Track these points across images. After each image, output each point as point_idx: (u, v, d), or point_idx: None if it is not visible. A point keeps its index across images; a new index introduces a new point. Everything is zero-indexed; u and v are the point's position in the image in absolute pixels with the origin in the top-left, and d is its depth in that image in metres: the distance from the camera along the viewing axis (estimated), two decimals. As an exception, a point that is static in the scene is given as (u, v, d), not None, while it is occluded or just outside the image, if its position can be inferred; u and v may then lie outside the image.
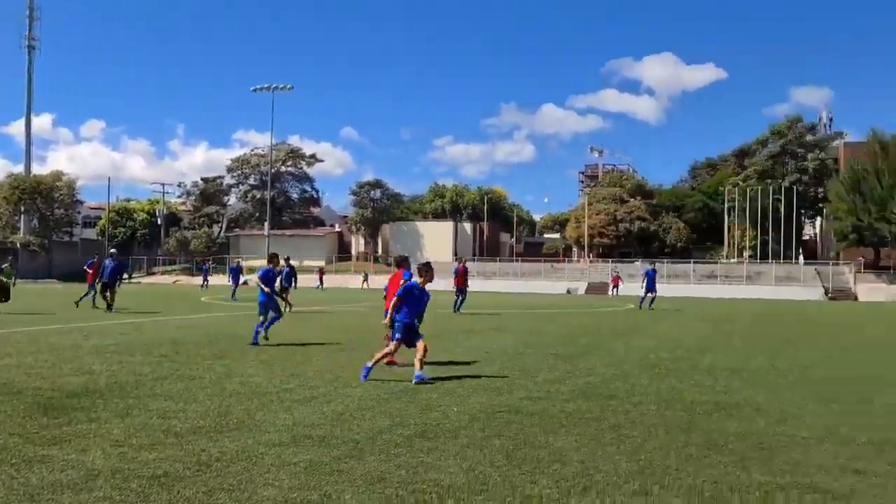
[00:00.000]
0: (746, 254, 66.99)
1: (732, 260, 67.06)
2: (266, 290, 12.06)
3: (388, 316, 8.69)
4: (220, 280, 51.92)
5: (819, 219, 75.62)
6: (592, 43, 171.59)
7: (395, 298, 8.59)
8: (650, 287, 27.67)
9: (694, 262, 62.35)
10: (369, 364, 8.32)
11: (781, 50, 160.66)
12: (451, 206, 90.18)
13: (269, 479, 4.25)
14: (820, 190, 70.98)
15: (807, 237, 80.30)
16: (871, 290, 51.23)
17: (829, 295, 52.27)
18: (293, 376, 8.41)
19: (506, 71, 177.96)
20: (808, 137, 73.81)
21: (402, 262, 9.97)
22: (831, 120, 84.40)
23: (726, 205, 70.24)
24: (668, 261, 61.20)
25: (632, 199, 76.92)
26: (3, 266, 37.01)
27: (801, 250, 69.68)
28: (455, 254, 68.27)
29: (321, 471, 4.46)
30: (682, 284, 54.16)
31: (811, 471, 4.67)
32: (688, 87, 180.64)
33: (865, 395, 7.88)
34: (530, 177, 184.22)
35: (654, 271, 28.80)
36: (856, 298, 50.04)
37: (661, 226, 74.96)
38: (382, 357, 8.49)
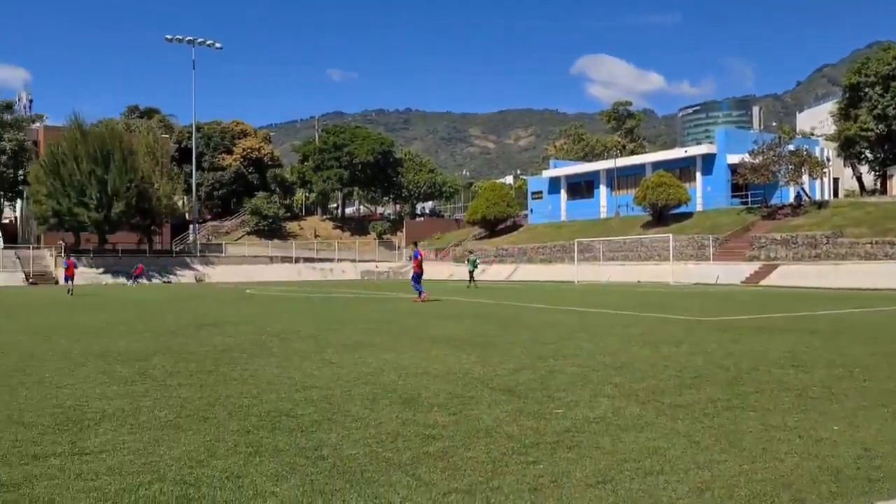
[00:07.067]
0: None
1: None
2: None
3: None
4: None
5: (19, 201, 74.45)
6: None
7: None
8: None
9: None
10: None
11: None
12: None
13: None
14: (20, 172, 68.70)
15: (7, 220, 78.36)
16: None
17: (31, 280, 53.05)
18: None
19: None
20: (6, 116, 70.27)
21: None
22: (31, 101, 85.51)
23: None
24: None
25: None
26: None
27: (1, 234, 67.04)
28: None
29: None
30: None
31: None
32: None
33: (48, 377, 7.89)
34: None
35: None
36: (57, 282, 50.24)
37: None
38: None
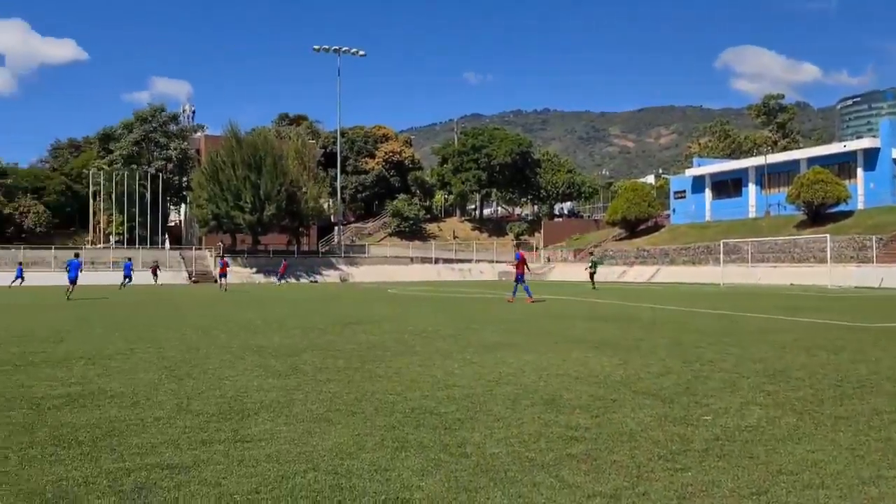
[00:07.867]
0: (113, 239, 67.14)
1: (99, 245, 65.60)
2: None
3: None
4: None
5: (183, 205, 77.90)
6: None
7: None
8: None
9: (55, 249, 57.51)
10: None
11: (144, 38, 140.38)
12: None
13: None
14: (184, 178, 73.20)
15: (172, 223, 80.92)
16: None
17: (193, 278, 55.79)
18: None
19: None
20: (172, 127, 74.65)
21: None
22: (193, 112, 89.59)
23: (91, 188, 67.64)
24: (26, 247, 57.65)
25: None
26: None
27: (166, 236, 70.40)
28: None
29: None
30: (41, 272, 50.20)
31: (161, 449, 4.92)
32: (46, 61, 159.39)
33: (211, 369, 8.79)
34: None
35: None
36: (216, 281, 50.43)
37: (18, 209, 70.42)
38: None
